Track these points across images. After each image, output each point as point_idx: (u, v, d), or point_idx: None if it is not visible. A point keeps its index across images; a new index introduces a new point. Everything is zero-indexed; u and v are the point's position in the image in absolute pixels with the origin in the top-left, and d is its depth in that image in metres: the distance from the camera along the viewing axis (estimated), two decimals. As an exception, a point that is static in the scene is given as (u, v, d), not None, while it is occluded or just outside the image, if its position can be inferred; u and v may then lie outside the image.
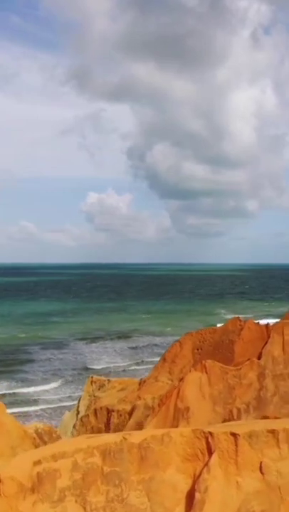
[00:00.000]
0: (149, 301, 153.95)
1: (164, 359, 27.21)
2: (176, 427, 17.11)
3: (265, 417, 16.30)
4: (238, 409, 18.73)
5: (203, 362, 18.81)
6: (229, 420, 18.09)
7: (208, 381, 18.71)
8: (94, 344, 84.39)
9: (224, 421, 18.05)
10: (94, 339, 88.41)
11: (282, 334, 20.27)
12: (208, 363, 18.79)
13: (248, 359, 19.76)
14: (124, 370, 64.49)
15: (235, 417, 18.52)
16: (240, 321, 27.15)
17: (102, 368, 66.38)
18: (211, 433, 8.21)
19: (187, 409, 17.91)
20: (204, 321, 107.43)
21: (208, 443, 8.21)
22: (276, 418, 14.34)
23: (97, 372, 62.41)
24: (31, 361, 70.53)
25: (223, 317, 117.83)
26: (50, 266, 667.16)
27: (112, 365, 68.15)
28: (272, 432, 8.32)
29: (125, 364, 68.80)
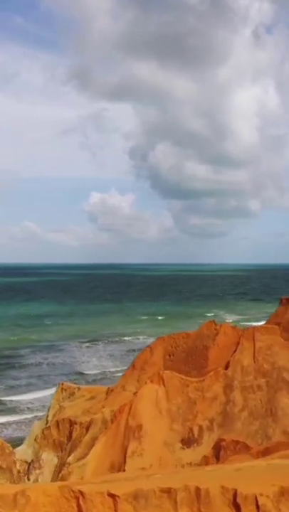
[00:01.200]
0: (147, 302, 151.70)
1: (133, 366, 24.96)
2: (127, 447, 14.91)
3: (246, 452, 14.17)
4: (200, 427, 16.49)
5: (161, 373, 16.58)
6: (188, 439, 15.88)
7: (165, 395, 16.50)
8: (88, 347, 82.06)
9: (183, 440, 15.83)
10: (88, 342, 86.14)
11: (253, 341, 18.01)
12: (166, 374, 16.57)
13: (215, 369, 17.52)
14: (118, 376, 62.24)
15: (195, 436, 16.29)
16: (215, 324, 24.91)
17: (95, 374, 63.93)
18: (82, 493, 5.91)
19: (140, 427, 15.69)
20: (202, 323, 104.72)
21: (78, 506, 5.94)
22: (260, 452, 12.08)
23: (90, 377, 60.18)
24: (21, 366, 68.25)
25: (222, 318, 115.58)
26: (53, 266, 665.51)
27: (106, 370, 65.73)
28: (168, 491, 5.99)
29: (120, 369, 66.47)
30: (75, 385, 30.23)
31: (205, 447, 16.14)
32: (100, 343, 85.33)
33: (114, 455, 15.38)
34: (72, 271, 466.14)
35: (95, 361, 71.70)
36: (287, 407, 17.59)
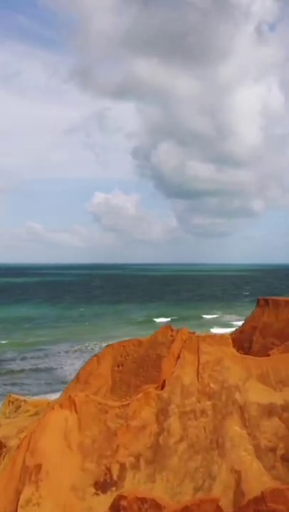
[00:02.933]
0: (145, 303, 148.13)
1: (77, 378, 21.34)
2: (21, 492, 11.34)
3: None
4: (121, 465, 12.88)
5: (72, 396, 12.98)
6: (105, 482, 12.28)
7: (77, 424, 12.90)
8: (77, 352, 78.12)
9: (97, 483, 12.24)
10: (78, 346, 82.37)
11: (198, 353, 14.38)
12: (79, 397, 12.97)
13: (145, 390, 13.90)
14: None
15: (114, 477, 12.68)
16: (171, 330, 21.25)
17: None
18: None
19: (38, 467, 12.10)
20: (201, 325, 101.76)
21: None
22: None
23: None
24: (1, 374, 64.51)
25: (221, 320, 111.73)
26: (56, 266, 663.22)
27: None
28: None
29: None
30: (22, 398, 26.70)
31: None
32: (90, 347, 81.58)
33: (6, 503, 11.85)
34: (74, 271, 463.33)
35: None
36: (238, 437, 13.97)
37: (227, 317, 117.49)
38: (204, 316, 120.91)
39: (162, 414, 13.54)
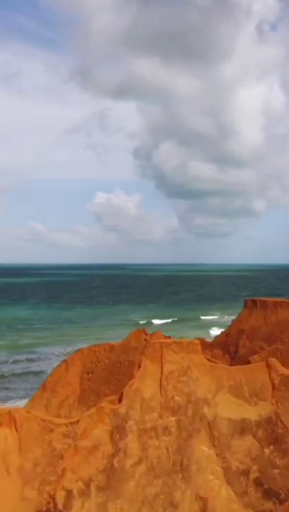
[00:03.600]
0: (143, 304, 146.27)
1: (43, 386, 19.70)
2: None
3: None
4: (68, 492, 11.17)
5: (12, 412, 11.30)
6: (47, 513, 10.58)
7: (17, 444, 11.20)
8: (67, 355, 76.06)
9: (38, 514, 10.53)
10: (71, 348, 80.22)
11: (161, 362, 12.67)
12: (20, 414, 11.28)
13: (97, 405, 12.18)
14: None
15: (59, 506, 10.98)
16: (145, 334, 19.63)
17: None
18: None
19: None
20: (199, 326, 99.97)
21: None
22: None
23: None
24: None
25: (220, 321, 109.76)
26: (57, 266, 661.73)
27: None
28: None
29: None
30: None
31: (74, 523, 10.88)
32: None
33: None
34: (74, 271, 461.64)
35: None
36: (205, 459, 12.26)
37: (226, 318, 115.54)
38: (203, 317, 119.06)
39: (118, 432, 11.84)
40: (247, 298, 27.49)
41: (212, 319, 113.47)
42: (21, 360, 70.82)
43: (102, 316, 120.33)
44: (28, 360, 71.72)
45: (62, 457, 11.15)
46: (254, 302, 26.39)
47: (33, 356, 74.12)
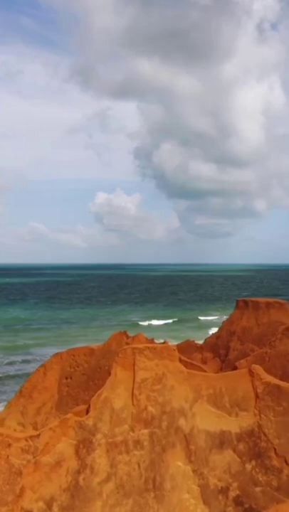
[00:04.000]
0: (143, 304, 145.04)
1: (20, 392, 18.67)
2: None
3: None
4: (27, 514, 10.10)
5: None
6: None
7: None
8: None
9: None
10: (66, 349, 78.83)
11: (133, 369, 11.61)
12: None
13: (63, 418, 11.13)
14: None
15: (16, 530, 9.91)
16: (127, 337, 18.60)
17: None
18: None
19: None
20: (198, 327, 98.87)
21: None
22: None
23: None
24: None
25: (219, 321, 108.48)
26: (57, 266, 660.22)
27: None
28: None
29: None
30: None
31: None
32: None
33: None
34: (74, 271, 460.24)
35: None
36: (181, 476, 11.20)
37: (225, 318, 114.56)
38: (202, 317, 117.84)
39: (84, 446, 10.79)
40: (238, 299, 26.43)
41: (211, 319, 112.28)
42: (16, 362, 69.71)
43: (100, 316, 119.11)
44: (23, 361, 70.58)
45: (20, 474, 10.11)
46: (245, 303, 25.33)
47: (28, 357, 72.90)
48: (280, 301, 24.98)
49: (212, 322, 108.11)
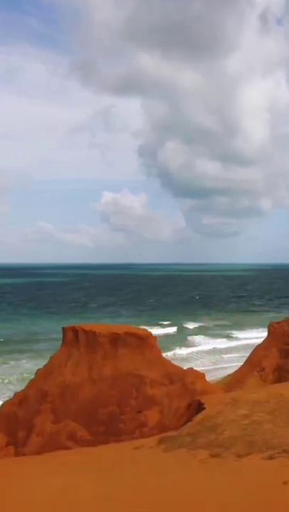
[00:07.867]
0: (140, 304, 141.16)
1: None
2: None
3: None
4: None
5: None
6: None
7: None
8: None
9: None
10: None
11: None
12: None
13: None
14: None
15: None
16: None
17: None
18: None
19: None
20: (193, 330, 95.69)
21: None
22: None
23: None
24: None
25: (211, 324, 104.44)
26: (59, 266, 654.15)
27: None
28: None
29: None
30: None
31: None
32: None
33: None
34: (78, 271, 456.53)
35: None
36: None
37: (220, 322, 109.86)
38: (192, 320, 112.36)
39: None
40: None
41: (203, 324, 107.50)
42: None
43: (92, 319, 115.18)
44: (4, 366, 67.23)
45: None
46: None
47: (11, 363, 69.46)
48: None
49: (204, 327, 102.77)
